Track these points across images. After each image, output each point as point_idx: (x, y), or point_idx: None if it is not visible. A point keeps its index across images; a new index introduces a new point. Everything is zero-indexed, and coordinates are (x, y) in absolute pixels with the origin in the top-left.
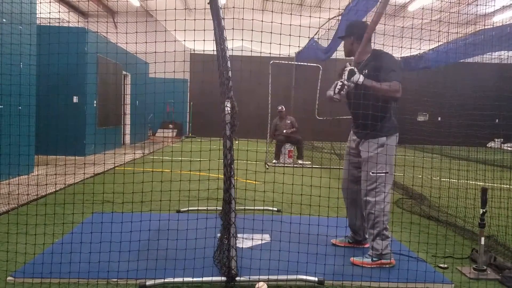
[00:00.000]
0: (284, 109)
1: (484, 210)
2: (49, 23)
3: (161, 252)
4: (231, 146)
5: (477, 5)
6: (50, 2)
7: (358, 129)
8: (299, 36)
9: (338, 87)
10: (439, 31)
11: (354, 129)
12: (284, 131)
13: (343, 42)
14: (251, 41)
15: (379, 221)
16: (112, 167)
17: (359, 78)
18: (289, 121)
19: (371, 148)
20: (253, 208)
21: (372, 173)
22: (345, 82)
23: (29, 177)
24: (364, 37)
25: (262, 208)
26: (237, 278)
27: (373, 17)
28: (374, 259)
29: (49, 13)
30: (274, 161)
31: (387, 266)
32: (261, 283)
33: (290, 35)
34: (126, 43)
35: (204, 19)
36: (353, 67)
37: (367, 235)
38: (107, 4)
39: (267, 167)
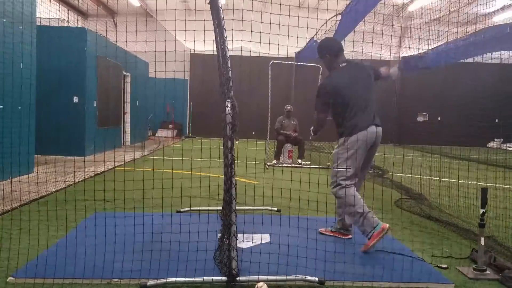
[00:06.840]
0: (292, 109)
1: (484, 210)
2: (50, 23)
3: (162, 252)
4: (232, 146)
5: (477, 4)
6: (50, 2)
7: None
8: (297, 37)
9: None
10: (439, 30)
11: None
12: (289, 133)
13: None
14: (251, 41)
15: (342, 205)
16: (112, 167)
17: None
18: (294, 122)
19: (335, 147)
20: (253, 208)
21: (333, 168)
22: None
23: (30, 177)
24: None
25: (262, 208)
26: (238, 278)
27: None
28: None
29: (50, 12)
30: (273, 161)
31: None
32: (261, 283)
33: (289, 35)
34: (126, 41)
35: (205, 19)
36: None
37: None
38: (107, 4)
39: (267, 167)
